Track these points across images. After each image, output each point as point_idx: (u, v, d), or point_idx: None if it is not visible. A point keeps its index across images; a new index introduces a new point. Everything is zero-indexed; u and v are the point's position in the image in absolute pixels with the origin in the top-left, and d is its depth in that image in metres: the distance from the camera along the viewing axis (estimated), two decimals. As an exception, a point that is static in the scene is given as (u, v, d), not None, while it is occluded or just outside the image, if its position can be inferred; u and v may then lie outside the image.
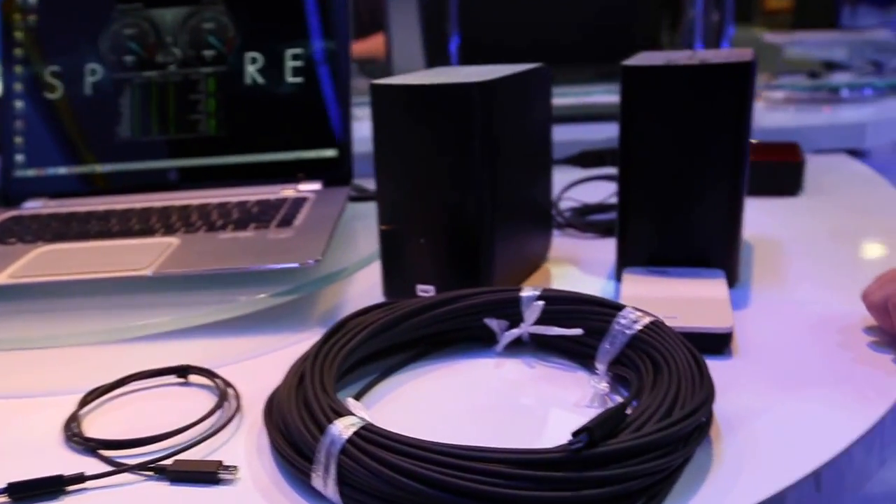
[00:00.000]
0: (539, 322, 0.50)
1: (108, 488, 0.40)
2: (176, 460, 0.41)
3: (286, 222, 0.68)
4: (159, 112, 0.80)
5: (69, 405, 0.48)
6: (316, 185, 0.78)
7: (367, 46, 1.32)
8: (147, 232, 0.68)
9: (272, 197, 0.75)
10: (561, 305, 0.49)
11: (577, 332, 0.48)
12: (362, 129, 0.93)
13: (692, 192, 0.58)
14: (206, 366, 0.51)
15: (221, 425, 0.45)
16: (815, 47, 1.39)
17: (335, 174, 0.79)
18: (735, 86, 0.55)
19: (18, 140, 0.81)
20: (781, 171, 0.84)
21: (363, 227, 0.74)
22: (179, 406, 0.48)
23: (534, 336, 0.51)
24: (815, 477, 0.39)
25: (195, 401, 0.49)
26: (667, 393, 0.39)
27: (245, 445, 0.43)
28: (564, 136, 1.00)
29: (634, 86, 0.57)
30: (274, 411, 0.42)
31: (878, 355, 0.49)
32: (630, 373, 0.45)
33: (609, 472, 0.33)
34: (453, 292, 0.51)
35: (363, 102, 1.00)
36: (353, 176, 0.79)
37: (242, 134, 0.80)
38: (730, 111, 0.55)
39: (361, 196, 0.82)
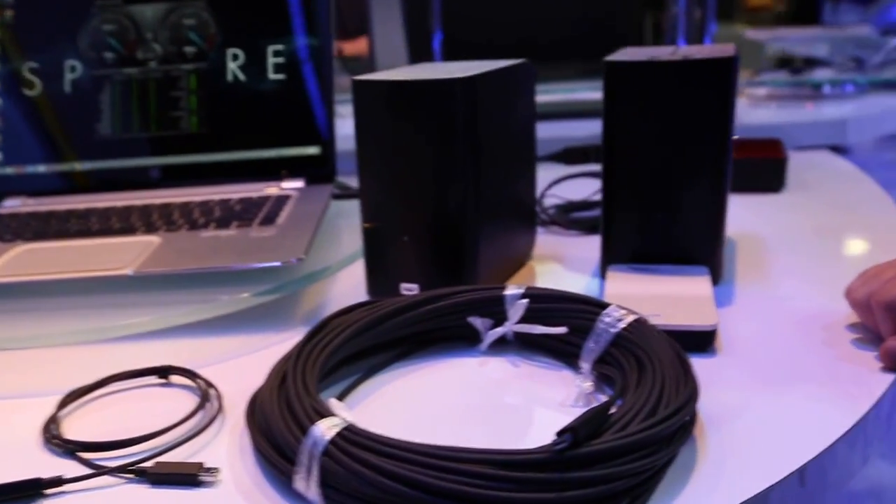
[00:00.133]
0: (523, 320, 0.50)
1: (88, 491, 0.40)
2: (156, 462, 0.41)
3: (269, 220, 0.67)
4: (140, 109, 0.79)
5: (48, 406, 0.48)
6: (299, 183, 0.78)
7: (355, 47, 1.31)
8: (128, 230, 0.67)
9: (255, 195, 0.75)
10: (545, 304, 0.49)
11: (562, 330, 0.48)
12: (346, 126, 0.93)
13: (675, 189, 0.58)
14: (187, 366, 0.51)
15: (203, 426, 0.44)
16: (797, 44, 1.40)
17: (318, 172, 0.78)
18: (717, 81, 0.55)
19: (-4, 137, 0.80)
20: (764, 168, 0.85)
21: (347, 224, 0.74)
22: (160, 407, 0.48)
23: (518, 335, 0.51)
24: (800, 474, 0.39)
25: (177, 402, 0.48)
26: (651, 392, 0.39)
27: (227, 447, 0.43)
28: (549, 132, 1.00)
29: (617, 82, 0.56)
30: (256, 412, 0.42)
31: (861, 352, 0.49)
32: (614, 371, 0.44)
33: (593, 472, 0.33)
34: (436, 291, 0.50)
35: (347, 100, 0.99)
36: (336, 173, 0.79)
37: (224, 131, 0.79)
38: (712, 107, 0.55)
39: (345, 194, 0.81)
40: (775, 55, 1.38)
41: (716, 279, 0.59)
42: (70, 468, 0.42)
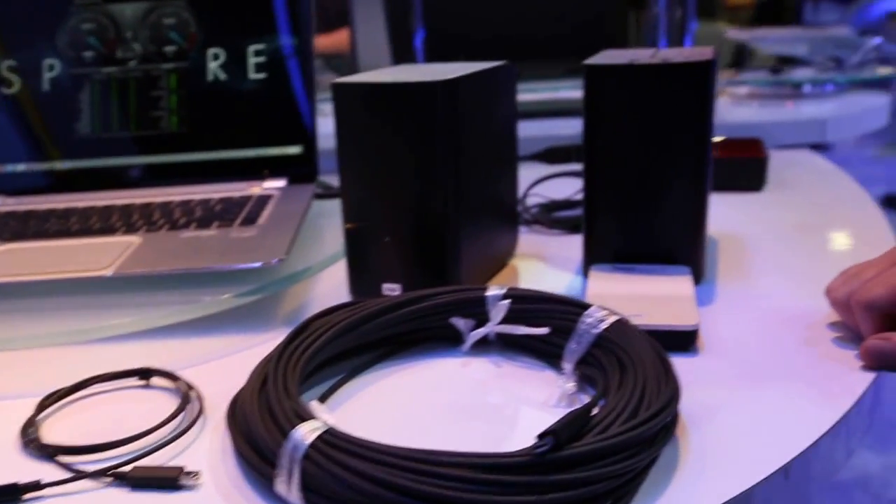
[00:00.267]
0: (505, 321, 0.50)
1: (66, 496, 0.39)
2: (136, 466, 0.40)
3: (250, 220, 0.67)
4: (120, 108, 0.79)
5: (26, 410, 0.47)
6: (281, 183, 0.77)
7: (333, 41, 1.31)
8: (108, 231, 0.67)
9: (236, 194, 0.74)
10: (527, 304, 0.49)
11: (544, 331, 0.48)
12: (328, 125, 0.92)
13: (656, 189, 0.58)
14: (168, 368, 0.50)
15: (184, 429, 0.44)
16: (778, 43, 1.41)
17: (300, 171, 0.78)
18: (696, 84, 0.55)
19: (-26, 136, 0.79)
20: (745, 167, 0.85)
21: (329, 224, 0.73)
22: (141, 410, 0.47)
23: (500, 335, 0.51)
24: (784, 472, 0.39)
25: (157, 404, 0.48)
26: (632, 393, 0.39)
27: (208, 449, 0.43)
28: (533, 131, 1.00)
29: (597, 84, 0.57)
30: (237, 415, 0.42)
31: (843, 351, 0.50)
32: (596, 372, 0.45)
33: (574, 475, 0.33)
34: (418, 292, 0.50)
35: (329, 98, 0.99)
36: (318, 173, 0.79)
37: (205, 131, 0.78)
38: (692, 109, 0.56)
39: (327, 193, 0.81)
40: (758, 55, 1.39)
41: (698, 278, 0.60)
42: (48, 472, 0.41)
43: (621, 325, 0.45)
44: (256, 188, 0.76)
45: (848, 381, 0.46)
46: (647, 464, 0.37)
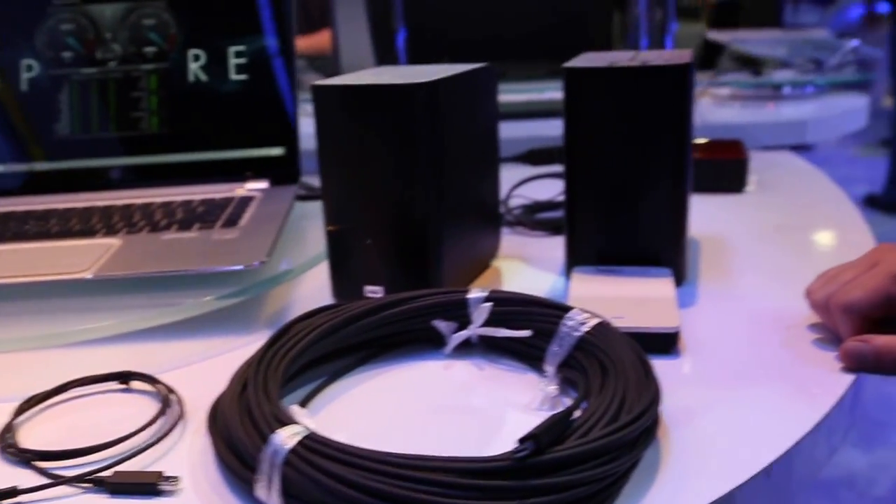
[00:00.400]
0: (487, 324, 0.50)
1: (44, 502, 0.39)
2: (115, 472, 0.40)
3: (231, 222, 0.67)
4: (100, 109, 0.78)
5: (4, 414, 0.47)
6: (263, 184, 0.77)
7: (316, 41, 1.30)
8: (87, 232, 0.66)
9: (218, 196, 0.74)
10: (509, 307, 0.49)
11: (526, 333, 0.48)
12: (311, 125, 0.92)
13: (637, 191, 0.58)
14: (148, 371, 0.50)
15: (164, 433, 0.44)
16: (757, 45, 1.42)
17: (282, 173, 0.78)
18: (675, 86, 0.56)
19: (-49, 137, 0.78)
20: (726, 169, 0.86)
21: (311, 226, 0.73)
22: (121, 414, 0.47)
23: (483, 338, 0.51)
24: (766, 473, 0.39)
25: (137, 408, 0.47)
26: (613, 396, 0.39)
27: (188, 454, 0.42)
28: (517, 132, 1.00)
29: (577, 87, 0.57)
30: (217, 419, 0.42)
31: (823, 352, 0.50)
32: (578, 375, 0.45)
33: (555, 479, 0.33)
34: (400, 294, 0.50)
35: (312, 99, 0.98)
36: (300, 174, 0.78)
37: (186, 132, 0.78)
38: (671, 111, 0.56)
39: (310, 195, 0.81)
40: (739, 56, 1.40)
41: (679, 280, 0.60)
42: (26, 478, 0.41)
43: (602, 328, 0.45)
44: (238, 190, 0.76)
45: (828, 382, 0.47)
46: (628, 467, 0.37)
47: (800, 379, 0.47)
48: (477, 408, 0.46)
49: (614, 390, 0.40)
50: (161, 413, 0.45)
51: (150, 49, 0.78)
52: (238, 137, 0.78)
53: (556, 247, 0.71)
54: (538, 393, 0.46)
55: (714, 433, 0.42)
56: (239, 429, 0.38)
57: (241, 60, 0.78)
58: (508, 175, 0.87)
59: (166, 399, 0.47)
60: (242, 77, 0.78)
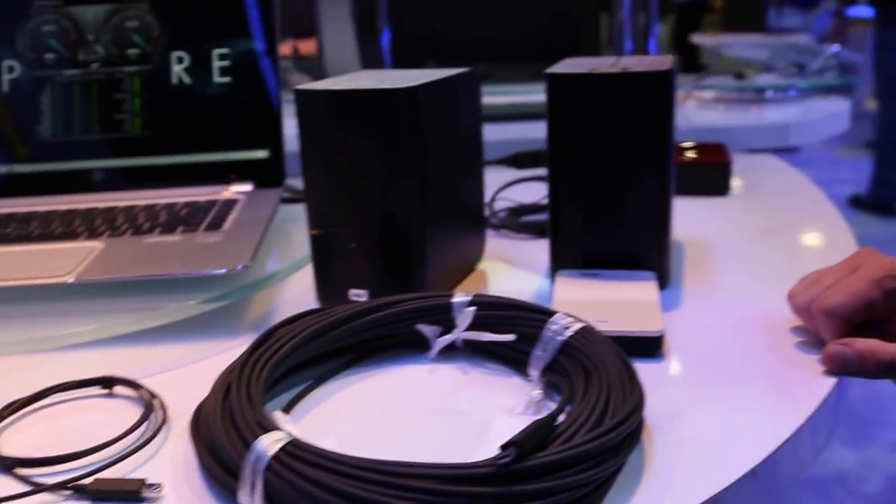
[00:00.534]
0: (472, 328, 0.50)
1: (24, 510, 0.38)
2: (97, 479, 0.40)
3: (215, 225, 0.66)
4: (82, 111, 0.77)
5: (-16, 421, 0.46)
6: (247, 187, 0.77)
7: (306, 46, 1.30)
8: (69, 236, 0.66)
9: (201, 199, 0.73)
10: (493, 311, 0.49)
11: (510, 337, 0.48)
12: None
13: (620, 195, 0.58)
14: (131, 376, 0.50)
15: (147, 439, 0.44)
16: (742, 49, 1.43)
17: (267, 175, 0.77)
18: (655, 92, 0.56)
19: (-69, 139, 0.78)
20: (709, 172, 0.86)
21: (296, 229, 0.73)
22: (103, 419, 0.46)
23: (467, 342, 0.51)
24: (752, 475, 0.39)
25: (119, 413, 0.47)
26: (597, 401, 0.39)
27: (171, 460, 0.42)
28: (504, 134, 1.00)
29: (560, 93, 0.57)
30: (200, 425, 0.41)
31: (805, 356, 0.50)
32: (562, 380, 0.45)
33: (538, 485, 0.33)
34: (384, 299, 0.50)
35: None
36: (285, 177, 0.78)
37: (170, 134, 0.77)
38: (652, 116, 0.56)
39: (294, 198, 0.80)
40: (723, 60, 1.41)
41: (663, 283, 0.60)
42: (6, 486, 0.40)
43: (586, 333, 0.46)
44: (222, 192, 0.75)
45: (812, 384, 0.47)
46: (612, 472, 0.37)
47: (784, 381, 0.47)
48: (461, 412, 0.46)
49: (598, 395, 0.40)
50: (144, 419, 0.45)
51: (133, 51, 0.77)
52: (222, 140, 0.77)
53: (541, 250, 0.71)
54: (522, 397, 0.46)
55: (698, 436, 0.42)
56: (221, 435, 0.38)
57: (225, 63, 0.77)
58: (494, 178, 0.87)
59: (149, 404, 0.46)
60: (226, 79, 0.77)
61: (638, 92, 0.56)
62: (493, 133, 0.92)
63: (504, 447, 0.34)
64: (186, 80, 0.77)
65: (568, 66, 0.60)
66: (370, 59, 1.13)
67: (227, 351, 0.54)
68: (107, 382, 0.49)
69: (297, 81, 0.95)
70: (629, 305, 0.54)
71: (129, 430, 0.44)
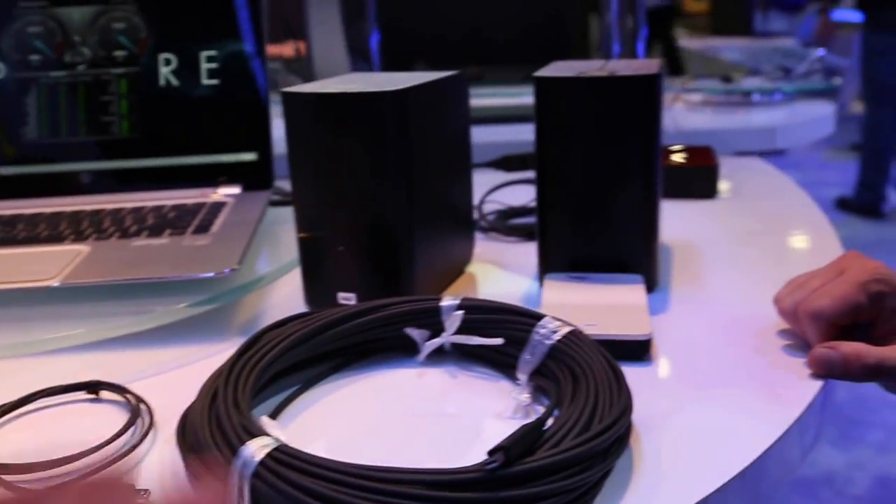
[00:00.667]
0: (460, 331, 0.49)
1: (9, 517, 0.38)
2: (82, 485, 0.39)
3: (203, 228, 0.66)
4: (69, 113, 0.77)
5: (-32, 427, 0.46)
6: (235, 189, 0.76)
7: (293, 48, 1.29)
8: (55, 239, 0.65)
9: (189, 202, 0.73)
10: (481, 315, 0.49)
11: (498, 341, 0.48)
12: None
13: (608, 199, 0.58)
14: (118, 381, 0.49)
15: (133, 445, 0.43)
16: (729, 53, 1.44)
17: (255, 178, 0.77)
18: (642, 96, 0.56)
19: (-85, 141, 0.77)
20: (697, 175, 0.86)
21: (284, 231, 0.73)
22: (89, 425, 0.46)
23: (456, 345, 0.51)
24: (740, 478, 0.39)
25: (106, 418, 0.47)
26: (585, 406, 0.39)
27: (158, 466, 0.42)
28: (494, 136, 1.00)
29: (547, 96, 0.57)
30: (187, 430, 0.41)
31: (792, 359, 0.51)
32: (550, 384, 0.45)
33: (526, 490, 0.33)
34: (372, 302, 0.50)
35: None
36: (273, 179, 0.78)
37: (158, 136, 0.77)
38: (639, 120, 0.57)
39: (283, 200, 0.80)
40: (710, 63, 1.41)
41: (651, 286, 0.60)
42: (-9, 492, 0.40)
43: (574, 337, 0.46)
44: (210, 195, 0.75)
45: (798, 387, 0.47)
46: (600, 476, 0.37)
47: (771, 384, 0.48)
48: (450, 415, 0.46)
49: (586, 399, 0.40)
50: (130, 424, 0.45)
51: (120, 53, 0.77)
52: (210, 142, 0.77)
53: (529, 252, 0.71)
54: (511, 401, 0.46)
55: (687, 439, 0.42)
56: (208, 440, 0.38)
57: (213, 65, 0.77)
58: (483, 181, 0.87)
59: (135, 409, 0.46)
60: (214, 81, 0.77)
61: (625, 96, 0.56)
62: (482, 135, 0.92)
63: (492, 452, 0.34)
64: (174, 81, 0.77)
65: (556, 69, 0.60)
66: (359, 61, 1.13)
67: (214, 355, 0.54)
68: (93, 387, 0.49)
69: (286, 83, 0.94)
70: (617, 309, 0.54)
71: (116, 435, 0.44)
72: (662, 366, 0.51)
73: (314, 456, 0.35)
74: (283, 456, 0.35)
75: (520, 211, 0.80)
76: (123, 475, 0.41)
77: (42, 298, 0.60)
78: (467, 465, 0.35)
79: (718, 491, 0.39)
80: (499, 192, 0.83)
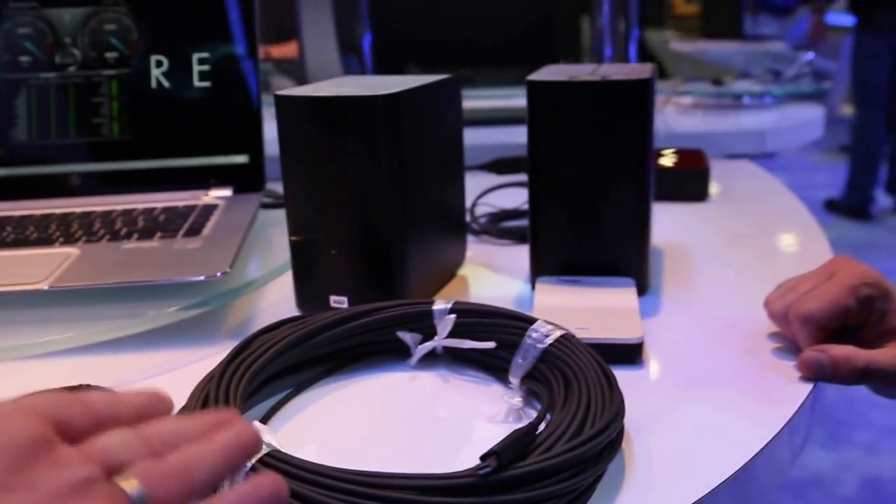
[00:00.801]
0: (452, 335, 0.49)
1: (-2, 522, 0.38)
2: (72, 490, 0.39)
3: (194, 231, 0.66)
4: (59, 115, 0.76)
5: (-43, 431, 0.45)
6: (226, 192, 0.76)
7: (288, 49, 1.29)
8: (45, 241, 0.65)
9: (180, 204, 0.73)
10: (473, 318, 0.49)
11: (490, 345, 0.48)
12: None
13: (600, 202, 0.59)
14: (107, 384, 0.49)
15: (123, 449, 0.43)
16: (719, 56, 1.44)
17: (247, 180, 0.77)
18: (635, 101, 0.56)
19: None
20: (688, 179, 0.87)
21: (276, 234, 0.72)
22: (78, 429, 0.46)
23: (448, 349, 0.51)
24: (732, 481, 0.40)
25: (95, 423, 0.46)
26: (577, 410, 0.39)
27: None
28: (486, 139, 1.00)
29: (539, 100, 0.58)
30: (178, 435, 0.41)
31: (782, 361, 0.51)
32: (542, 388, 0.45)
33: (519, 495, 0.33)
34: (364, 306, 0.50)
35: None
36: (265, 182, 0.77)
37: (148, 138, 0.77)
38: (631, 124, 0.57)
39: (275, 203, 0.80)
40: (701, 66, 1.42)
41: (643, 289, 0.60)
42: (-21, 497, 0.40)
43: (566, 341, 0.46)
44: (202, 197, 0.75)
45: (789, 389, 0.47)
46: (592, 481, 0.37)
47: (762, 387, 0.48)
48: (442, 419, 0.46)
49: (578, 403, 0.40)
50: (120, 428, 0.44)
51: (111, 54, 0.76)
52: (201, 144, 0.77)
53: (522, 255, 0.71)
54: (503, 405, 0.46)
55: (678, 443, 0.42)
56: (200, 446, 0.37)
57: (205, 67, 0.77)
58: (475, 183, 0.87)
59: (126, 414, 0.46)
60: (206, 84, 0.77)
61: (618, 100, 0.56)
62: (473, 137, 0.92)
63: (484, 457, 0.34)
64: (165, 83, 0.77)
65: (548, 73, 0.60)
66: (351, 63, 1.13)
67: (205, 359, 0.54)
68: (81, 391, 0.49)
69: (278, 84, 0.94)
70: (609, 312, 0.54)
71: (106, 439, 0.43)
72: (654, 369, 0.51)
73: (306, 461, 0.35)
74: (274, 462, 0.35)
75: (512, 214, 0.80)
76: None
77: (31, 302, 0.59)
78: (459, 469, 0.35)
79: (710, 494, 0.39)
80: (491, 194, 0.83)
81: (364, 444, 0.44)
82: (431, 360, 0.52)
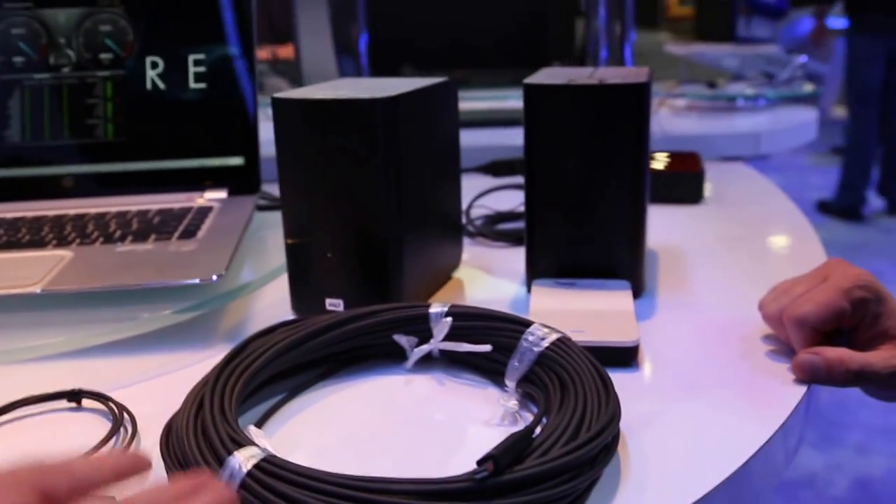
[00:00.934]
0: (448, 338, 0.49)
1: (-9, 528, 0.38)
2: (66, 495, 0.39)
3: (189, 234, 0.65)
4: (53, 116, 0.76)
5: (-51, 436, 0.45)
6: (222, 194, 0.76)
7: (285, 50, 1.29)
8: (38, 244, 0.65)
9: (175, 206, 0.73)
10: (469, 321, 0.49)
11: (486, 348, 0.48)
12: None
13: (596, 205, 0.59)
14: (100, 389, 0.49)
15: (117, 454, 0.43)
16: (712, 59, 1.44)
17: (242, 182, 0.76)
18: (631, 104, 0.56)
19: None
20: (683, 181, 0.87)
21: (272, 236, 0.72)
22: (70, 434, 0.46)
23: (444, 352, 0.51)
24: (726, 485, 0.40)
25: (88, 428, 0.46)
26: (573, 413, 0.39)
27: (141, 477, 0.41)
28: (481, 140, 1.00)
29: (536, 103, 0.57)
30: (172, 440, 0.41)
31: (776, 364, 0.51)
32: (538, 392, 0.45)
33: (515, 499, 0.33)
34: (360, 309, 0.50)
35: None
36: (260, 184, 0.77)
37: (143, 140, 0.76)
38: (628, 127, 0.57)
39: (270, 205, 0.80)
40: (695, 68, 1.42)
41: (638, 291, 0.61)
42: (-28, 502, 0.39)
43: (562, 344, 0.46)
44: (197, 199, 0.75)
45: (784, 392, 0.47)
46: (588, 485, 0.37)
47: (757, 390, 0.48)
48: (438, 423, 0.46)
49: (574, 407, 0.40)
50: (112, 433, 0.44)
51: (105, 55, 0.76)
52: (196, 146, 0.76)
53: (517, 257, 0.71)
54: (499, 408, 0.46)
55: (674, 446, 0.42)
56: (194, 450, 0.37)
57: (201, 68, 0.76)
58: (471, 185, 0.87)
59: (118, 418, 0.46)
60: (201, 85, 0.76)
61: (614, 103, 0.56)
62: (469, 139, 0.92)
63: (481, 461, 0.34)
64: (161, 85, 0.76)
65: (545, 76, 0.60)
66: (347, 65, 1.13)
67: (199, 363, 0.54)
68: (74, 396, 0.49)
69: (274, 86, 0.94)
70: (605, 315, 0.54)
71: (97, 445, 0.43)
72: (649, 372, 0.51)
73: (302, 466, 0.35)
74: (270, 466, 0.35)
75: (508, 216, 0.80)
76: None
77: (23, 305, 0.59)
78: (455, 473, 0.35)
79: (706, 497, 0.39)
80: (486, 196, 0.83)
81: (360, 448, 0.43)
82: (427, 363, 0.52)
